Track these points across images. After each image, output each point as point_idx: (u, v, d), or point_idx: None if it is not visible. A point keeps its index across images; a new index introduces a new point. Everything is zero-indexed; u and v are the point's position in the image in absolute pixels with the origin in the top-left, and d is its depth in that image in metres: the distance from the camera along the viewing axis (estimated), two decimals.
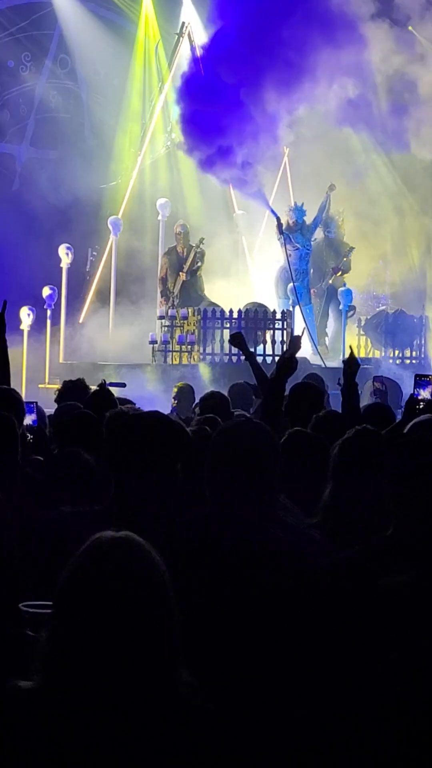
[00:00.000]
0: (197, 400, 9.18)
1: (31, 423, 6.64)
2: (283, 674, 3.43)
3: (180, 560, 3.42)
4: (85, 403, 6.62)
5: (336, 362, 18.74)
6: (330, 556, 4.00)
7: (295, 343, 9.60)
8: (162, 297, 19.29)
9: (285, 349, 17.12)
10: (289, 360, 6.80)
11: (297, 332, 9.82)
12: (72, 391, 7.83)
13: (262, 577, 3.47)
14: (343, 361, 7.30)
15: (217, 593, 3.46)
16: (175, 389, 11.56)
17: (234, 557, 3.50)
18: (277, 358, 15.89)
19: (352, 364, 7.26)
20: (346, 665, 3.42)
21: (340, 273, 20.50)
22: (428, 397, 7.12)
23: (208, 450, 3.79)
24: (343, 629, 3.51)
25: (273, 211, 19.58)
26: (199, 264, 19.35)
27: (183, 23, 22.45)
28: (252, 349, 9.79)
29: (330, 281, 20.29)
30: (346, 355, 7.51)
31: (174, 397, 11.35)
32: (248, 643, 3.41)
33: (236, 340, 8.77)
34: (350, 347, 8.29)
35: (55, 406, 7.49)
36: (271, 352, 17.43)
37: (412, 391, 7.35)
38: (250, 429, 3.86)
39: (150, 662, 2.38)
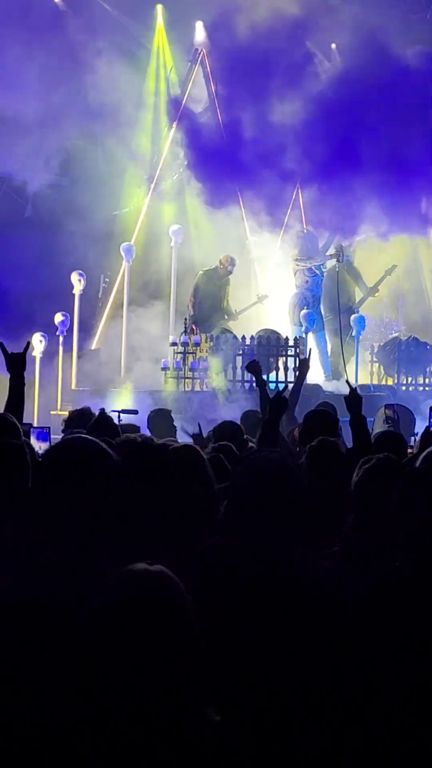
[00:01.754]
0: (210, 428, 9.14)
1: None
2: (308, 706, 3.38)
3: (195, 590, 3.38)
4: (88, 431, 6.60)
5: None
6: (342, 588, 3.97)
7: (303, 365, 9.62)
8: (192, 324, 19.27)
9: (296, 375, 17.17)
10: (278, 403, 6.77)
11: (306, 355, 9.85)
12: (79, 419, 7.82)
13: (283, 609, 3.41)
14: (345, 398, 7.25)
15: (233, 625, 3.40)
16: (152, 413, 11.10)
17: (253, 588, 3.44)
18: (290, 385, 15.94)
19: (354, 398, 7.22)
20: (362, 695, 3.37)
21: (377, 293, 20.68)
22: None
23: (233, 481, 3.76)
24: (362, 659, 3.46)
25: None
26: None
27: (196, 49, 22.51)
28: (264, 376, 9.78)
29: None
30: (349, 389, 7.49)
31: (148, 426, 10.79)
32: (270, 676, 3.36)
33: (253, 367, 8.85)
34: (348, 383, 8.28)
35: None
36: (283, 379, 17.39)
37: (428, 424, 7.30)
38: (275, 465, 3.80)
39: (175, 700, 2.35)
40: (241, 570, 3.51)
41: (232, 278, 20.19)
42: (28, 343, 6.85)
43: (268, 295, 20.26)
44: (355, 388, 7.37)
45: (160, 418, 10.69)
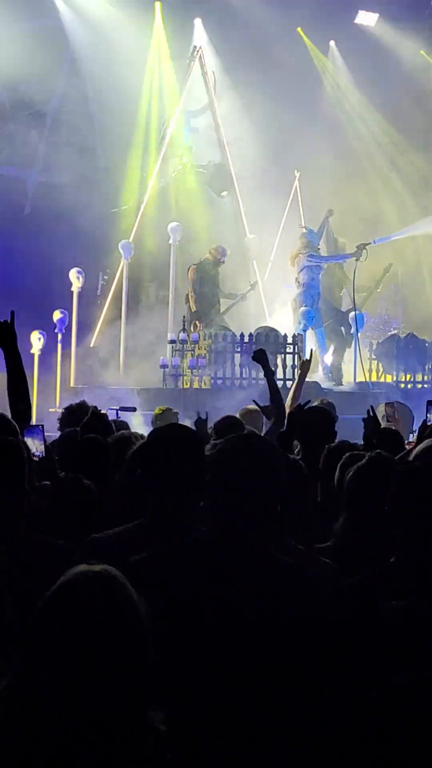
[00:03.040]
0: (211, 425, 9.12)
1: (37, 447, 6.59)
2: (284, 700, 3.35)
3: (179, 586, 3.35)
4: (81, 428, 6.56)
5: (347, 387, 18.73)
6: (338, 583, 3.96)
7: (305, 366, 9.60)
8: (194, 321, 19.23)
9: (296, 373, 17.16)
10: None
11: (307, 356, 9.82)
12: (76, 414, 7.78)
13: (262, 606, 3.37)
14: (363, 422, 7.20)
15: (216, 622, 3.36)
16: (158, 411, 10.83)
17: (235, 584, 3.40)
18: (288, 383, 15.94)
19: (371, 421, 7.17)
20: (346, 691, 3.35)
21: (378, 289, 20.74)
22: None
23: (210, 468, 3.65)
24: (344, 657, 3.45)
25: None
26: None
27: (194, 47, 22.51)
28: (262, 373, 9.75)
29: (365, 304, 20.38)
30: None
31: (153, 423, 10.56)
32: (250, 671, 3.32)
33: (260, 356, 8.86)
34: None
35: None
36: (282, 377, 17.38)
37: (424, 417, 7.30)
38: (254, 444, 3.65)
39: (116, 703, 2.28)
40: (223, 568, 3.46)
41: (231, 276, 20.18)
42: (13, 313, 6.51)
43: (256, 281, 20.07)
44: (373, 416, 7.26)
45: (166, 418, 10.57)
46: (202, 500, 3.85)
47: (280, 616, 3.35)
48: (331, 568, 4.25)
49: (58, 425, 7.93)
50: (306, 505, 5.00)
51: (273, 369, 17.35)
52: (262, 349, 9.20)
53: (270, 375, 8.67)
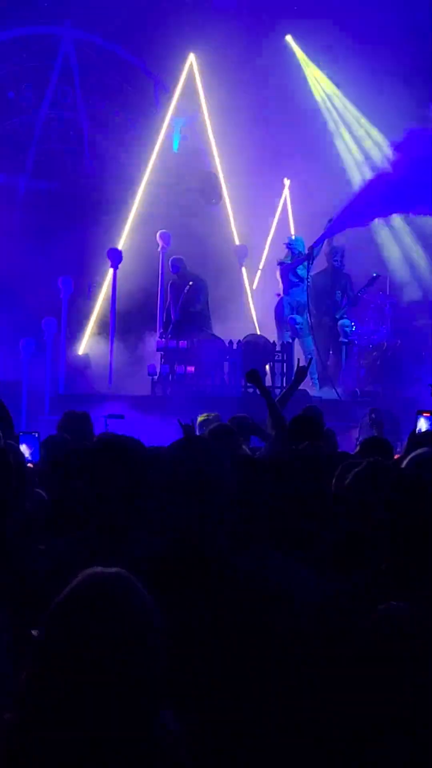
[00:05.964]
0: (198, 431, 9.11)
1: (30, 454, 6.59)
2: (269, 710, 3.34)
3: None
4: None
5: (335, 395, 18.73)
6: (318, 589, 3.95)
7: (300, 373, 9.57)
8: (162, 328, 19.29)
9: (286, 381, 17.18)
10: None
11: (302, 364, 9.72)
12: (71, 421, 7.78)
13: (210, 614, 3.35)
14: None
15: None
16: (202, 418, 10.32)
17: (187, 591, 3.38)
18: (277, 390, 15.94)
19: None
20: (331, 700, 3.35)
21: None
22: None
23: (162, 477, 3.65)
24: (321, 665, 3.44)
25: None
26: (197, 306, 19.29)
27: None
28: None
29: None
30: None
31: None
32: (223, 683, 3.30)
33: (252, 376, 8.63)
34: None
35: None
36: (270, 384, 17.38)
37: (414, 427, 7.33)
38: (192, 450, 3.67)
39: (131, 704, 2.31)
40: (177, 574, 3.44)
41: (219, 284, 20.19)
42: None
43: (192, 282, 19.84)
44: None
45: (210, 425, 10.01)
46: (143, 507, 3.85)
47: (233, 623, 3.35)
48: (310, 576, 4.26)
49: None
50: (294, 509, 5.03)
51: (262, 376, 17.50)
52: (254, 369, 8.97)
53: (267, 394, 8.21)
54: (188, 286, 18.92)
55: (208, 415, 10.36)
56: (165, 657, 2.40)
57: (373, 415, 11.92)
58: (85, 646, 2.31)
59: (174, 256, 19.45)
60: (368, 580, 3.76)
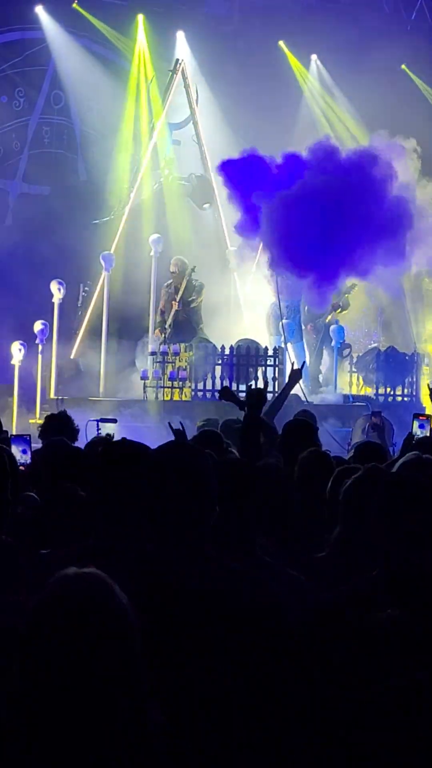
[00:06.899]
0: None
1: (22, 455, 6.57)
2: (261, 715, 3.32)
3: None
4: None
5: (327, 399, 18.72)
6: (310, 597, 3.94)
7: (295, 375, 9.54)
8: (157, 328, 19.31)
9: (277, 385, 17.16)
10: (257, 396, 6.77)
11: (296, 367, 9.71)
12: (57, 424, 7.77)
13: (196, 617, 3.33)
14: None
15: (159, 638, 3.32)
16: (200, 423, 10.31)
17: (168, 601, 3.35)
18: (269, 395, 15.92)
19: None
20: (324, 706, 3.33)
21: (339, 310, 20.31)
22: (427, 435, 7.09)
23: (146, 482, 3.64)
24: (320, 672, 3.42)
25: None
26: (194, 297, 19.39)
27: (177, 60, 22.53)
28: (244, 386, 9.70)
29: (328, 318, 20.11)
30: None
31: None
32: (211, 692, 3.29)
33: (225, 394, 8.66)
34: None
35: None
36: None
37: (410, 430, 7.32)
38: (180, 455, 3.69)
39: (115, 698, 2.34)
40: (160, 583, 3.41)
41: (210, 288, 20.19)
42: None
43: (195, 266, 19.76)
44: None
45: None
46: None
47: (225, 631, 3.33)
48: (297, 581, 4.25)
49: (39, 433, 7.89)
50: (286, 513, 5.01)
51: (254, 381, 17.51)
52: (225, 387, 9.01)
53: (243, 406, 8.10)
54: (185, 282, 19.03)
55: (207, 420, 10.39)
56: (142, 655, 2.43)
57: (375, 419, 11.91)
58: (61, 645, 2.33)
59: (176, 257, 19.51)
60: (363, 588, 3.74)
